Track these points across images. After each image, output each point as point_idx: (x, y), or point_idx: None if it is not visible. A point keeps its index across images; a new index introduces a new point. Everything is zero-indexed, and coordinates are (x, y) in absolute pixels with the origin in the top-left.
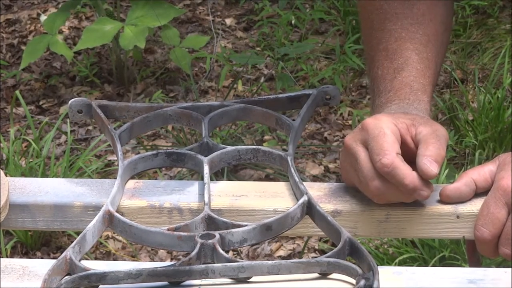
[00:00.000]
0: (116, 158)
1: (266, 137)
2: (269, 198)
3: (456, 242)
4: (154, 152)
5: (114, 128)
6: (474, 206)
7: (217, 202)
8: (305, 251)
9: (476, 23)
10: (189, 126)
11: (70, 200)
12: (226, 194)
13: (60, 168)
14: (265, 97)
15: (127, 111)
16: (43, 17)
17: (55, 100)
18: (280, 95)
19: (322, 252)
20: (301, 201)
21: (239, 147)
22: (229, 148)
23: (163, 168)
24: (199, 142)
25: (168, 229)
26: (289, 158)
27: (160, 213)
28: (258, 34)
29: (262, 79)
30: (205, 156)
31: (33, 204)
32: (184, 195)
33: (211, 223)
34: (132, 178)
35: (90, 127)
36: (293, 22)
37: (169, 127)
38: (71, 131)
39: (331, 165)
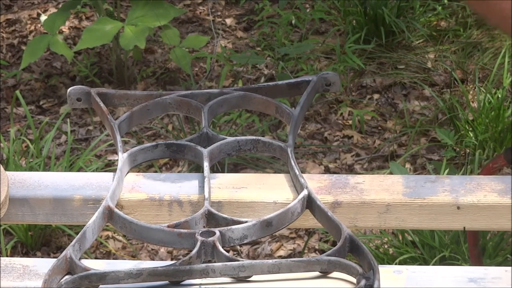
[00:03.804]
0: (116, 158)
1: (266, 137)
2: (269, 190)
3: (456, 242)
4: (154, 143)
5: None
6: (475, 197)
7: (217, 195)
8: (306, 251)
9: (476, 23)
10: (188, 114)
11: (70, 193)
12: (226, 186)
13: (60, 168)
14: (264, 84)
15: (126, 99)
16: (43, 17)
17: (55, 100)
18: (280, 82)
19: (323, 252)
20: (301, 195)
21: (239, 138)
22: (229, 139)
23: (164, 168)
24: (199, 133)
25: (168, 226)
26: (289, 150)
27: (160, 205)
28: (258, 34)
29: (263, 79)
30: (205, 147)
31: (32, 198)
32: (184, 188)
33: (211, 219)
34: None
35: (91, 127)
36: (293, 22)
37: (170, 127)
38: (71, 131)
39: (331, 165)
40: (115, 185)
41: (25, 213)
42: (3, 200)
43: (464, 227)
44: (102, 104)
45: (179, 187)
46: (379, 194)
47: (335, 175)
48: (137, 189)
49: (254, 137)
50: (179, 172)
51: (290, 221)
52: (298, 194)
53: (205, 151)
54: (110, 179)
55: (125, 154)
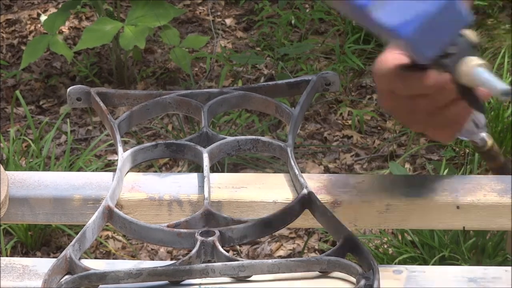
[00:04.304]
0: (116, 158)
1: (265, 136)
2: (268, 189)
3: (456, 242)
4: (154, 143)
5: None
6: (475, 196)
7: (216, 194)
8: (305, 250)
9: (476, 23)
10: (188, 114)
11: (70, 193)
12: (226, 186)
13: (60, 168)
14: (264, 83)
15: (126, 99)
16: (43, 17)
17: (55, 100)
18: (280, 82)
19: (322, 252)
20: (301, 195)
21: (238, 137)
22: (229, 138)
23: (163, 168)
24: (199, 132)
25: (168, 226)
26: (288, 149)
27: (159, 205)
28: (258, 34)
29: (262, 79)
30: (205, 146)
31: (32, 198)
32: (184, 188)
33: (211, 218)
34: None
35: (90, 127)
36: (293, 22)
37: (170, 127)
38: (71, 131)
39: (331, 165)
40: (115, 185)
41: (25, 213)
42: (3, 200)
43: (464, 227)
44: (102, 104)
45: (179, 186)
46: (379, 194)
47: (335, 174)
48: (137, 188)
49: (254, 137)
50: (179, 172)
51: (290, 221)
52: (298, 194)
53: (204, 151)
54: (110, 179)
55: (125, 154)
